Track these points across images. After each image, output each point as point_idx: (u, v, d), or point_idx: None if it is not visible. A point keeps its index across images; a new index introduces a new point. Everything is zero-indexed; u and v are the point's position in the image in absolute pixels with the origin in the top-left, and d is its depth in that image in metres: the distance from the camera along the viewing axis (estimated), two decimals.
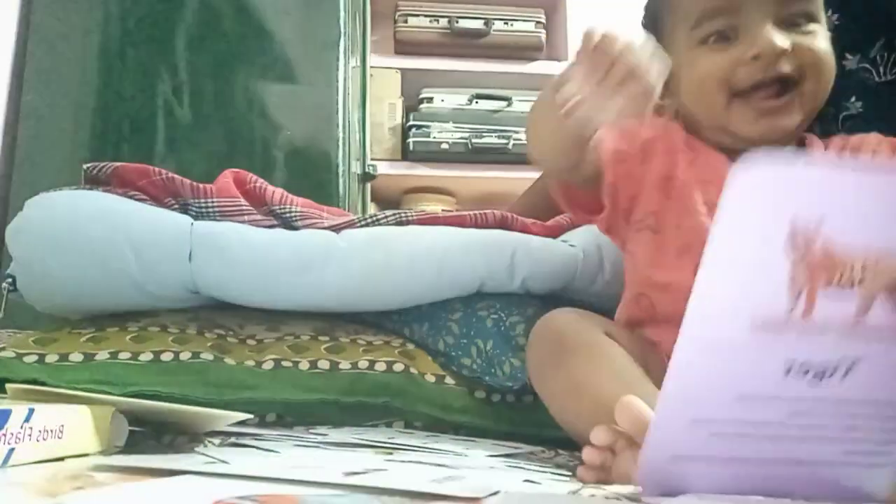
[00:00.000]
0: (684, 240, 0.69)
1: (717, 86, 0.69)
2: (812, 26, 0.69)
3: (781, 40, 0.66)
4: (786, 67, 0.67)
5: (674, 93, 0.74)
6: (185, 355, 0.78)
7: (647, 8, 0.79)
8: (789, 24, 0.68)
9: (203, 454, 0.54)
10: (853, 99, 0.81)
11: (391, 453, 0.58)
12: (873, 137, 0.71)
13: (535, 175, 1.15)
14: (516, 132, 2.13)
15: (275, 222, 0.89)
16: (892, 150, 0.69)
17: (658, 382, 0.59)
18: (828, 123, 0.82)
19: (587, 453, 0.49)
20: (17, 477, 0.40)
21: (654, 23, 0.77)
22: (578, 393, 0.61)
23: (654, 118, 0.75)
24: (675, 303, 0.61)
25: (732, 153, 0.69)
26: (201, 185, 0.88)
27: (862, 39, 0.81)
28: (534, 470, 0.54)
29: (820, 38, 0.69)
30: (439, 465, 0.51)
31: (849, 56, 0.81)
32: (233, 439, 0.66)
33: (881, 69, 0.79)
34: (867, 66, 0.80)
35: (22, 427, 0.44)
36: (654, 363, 0.65)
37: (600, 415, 0.51)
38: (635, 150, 0.74)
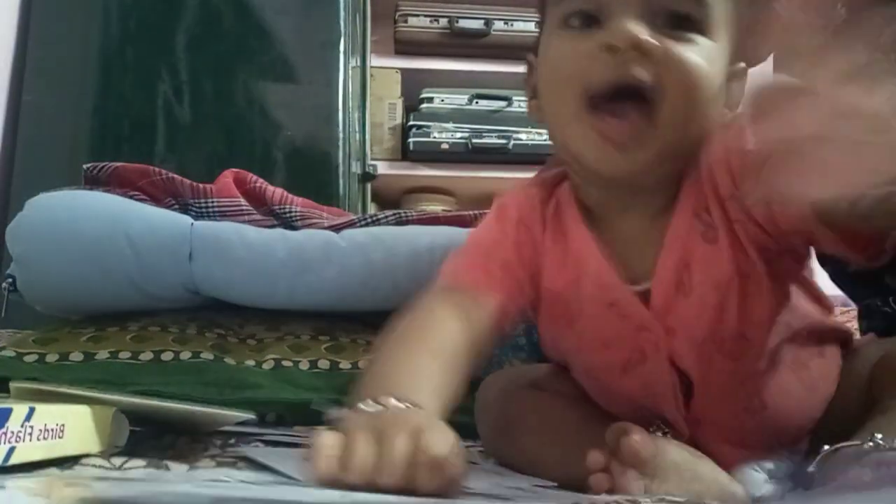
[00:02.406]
0: (562, 354, 0.63)
1: (570, 83, 0.54)
2: (696, 37, 0.53)
3: (640, 31, 0.51)
4: (641, 72, 0.51)
5: (539, 99, 0.60)
6: (185, 355, 0.78)
7: None
8: (666, 23, 0.53)
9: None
10: None
11: None
12: (720, 148, 0.55)
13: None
14: (516, 132, 2.13)
15: (275, 222, 0.89)
16: (738, 151, 0.53)
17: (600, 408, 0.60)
18: None
19: (594, 481, 0.49)
20: (12, 476, 0.40)
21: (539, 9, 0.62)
22: (540, 464, 0.59)
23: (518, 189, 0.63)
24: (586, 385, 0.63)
25: (601, 217, 0.59)
26: (201, 185, 0.88)
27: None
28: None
29: (699, 51, 0.53)
30: None
31: None
32: (233, 440, 0.66)
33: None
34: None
35: (22, 426, 0.44)
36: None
37: (573, 476, 0.52)
38: (523, 277, 0.61)
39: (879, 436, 0.48)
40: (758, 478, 0.58)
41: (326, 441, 0.38)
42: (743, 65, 0.58)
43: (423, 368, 0.51)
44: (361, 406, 0.44)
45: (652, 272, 0.56)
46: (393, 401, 0.44)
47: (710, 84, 0.53)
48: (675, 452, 0.52)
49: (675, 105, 0.52)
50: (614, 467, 0.49)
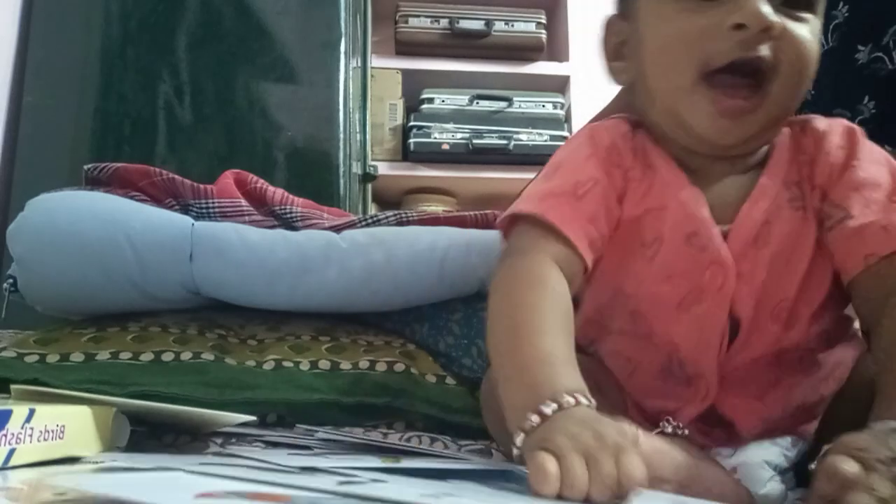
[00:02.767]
0: (616, 284, 0.61)
1: (687, 57, 0.55)
2: (807, 15, 0.56)
3: (771, 13, 0.53)
4: (765, 50, 0.54)
5: (634, 57, 0.61)
6: (185, 355, 0.78)
7: None
8: (784, 1, 0.55)
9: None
10: (866, 99, 0.79)
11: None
12: (833, 140, 0.60)
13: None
14: (517, 133, 2.13)
15: (275, 223, 0.89)
16: (846, 158, 0.59)
17: (610, 399, 0.61)
18: None
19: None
20: (3, 481, 0.40)
21: None
22: None
23: (604, 126, 0.64)
24: (617, 337, 0.62)
25: (690, 168, 0.60)
26: (202, 186, 0.88)
27: (874, 28, 0.79)
28: None
29: (811, 31, 0.56)
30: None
31: (861, 48, 0.79)
32: (234, 440, 0.66)
33: (893, 55, 0.78)
34: (879, 54, 0.78)
35: (23, 428, 0.44)
36: (607, 384, 0.63)
37: None
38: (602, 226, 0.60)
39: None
40: (764, 475, 0.58)
41: (549, 467, 0.40)
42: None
43: (567, 348, 0.51)
44: (544, 409, 0.45)
45: (734, 218, 0.58)
46: (568, 398, 0.45)
47: (815, 60, 0.57)
48: (681, 453, 0.53)
49: (787, 81, 0.55)
50: None
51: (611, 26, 0.64)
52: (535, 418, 0.45)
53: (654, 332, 0.60)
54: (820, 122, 0.62)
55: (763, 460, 0.59)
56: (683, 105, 0.57)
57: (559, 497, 0.40)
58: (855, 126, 0.62)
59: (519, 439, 0.45)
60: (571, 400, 0.45)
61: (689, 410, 0.60)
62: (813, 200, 0.59)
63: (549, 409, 0.44)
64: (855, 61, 0.80)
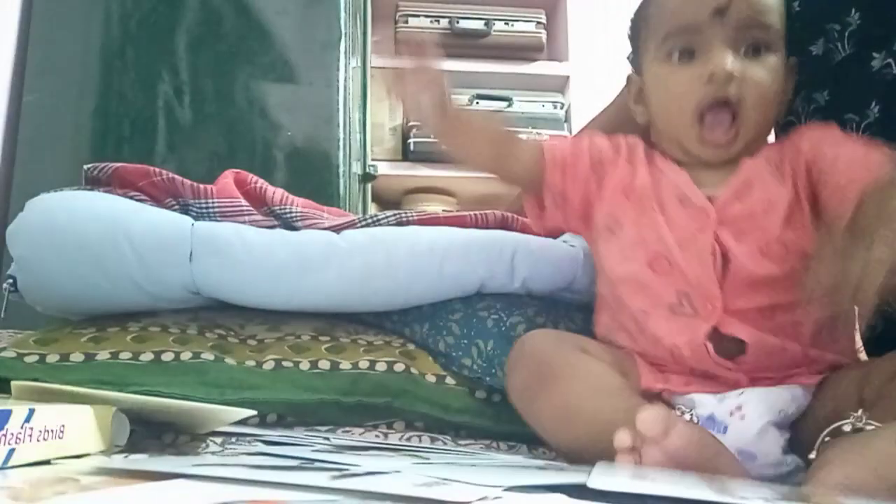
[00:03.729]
0: (639, 235, 0.75)
1: (681, 104, 0.75)
2: (765, 56, 0.75)
3: (731, 64, 0.72)
4: (731, 90, 0.73)
5: (647, 104, 0.81)
6: (185, 355, 0.78)
7: (632, 20, 0.84)
8: (745, 50, 0.74)
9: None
10: (873, 104, 0.80)
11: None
12: (814, 129, 0.76)
13: None
14: (517, 133, 2.13)
15: (275, 223, 0.89)
16: (824, 134, 0.75)
17: (637, 387, 0.69)
18: (850, 131, 0.81)
19: (622, 457, 0.54)
20: (3, 480, 0.40)
21: (635, 34, 0.83)
22: (569, 417, 0.66)
23: (616, 136, 0.83)
24: (632, 295, 0.73)
25: (689, 167, 0.77)
26: (202, 186, 0.88)
27: (886, 34, 0.79)
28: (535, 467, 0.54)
29: (768, 68, 0.74)
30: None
31: (875, 55, 0.80)
32: (234, 440, 0.66)
33: None
34: (889, 60, 0.79)
35: (22, 427, 0.44)
36: (631, 369, 0.72)
37: (597, 434, 0.58)
38: (583, 161, 0.81)
39: (860, 411, 0.57)
40: (765, 416, 0.65)
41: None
42: (794, 59, 0.78)
43: None
44: None
45: (720, 186, 0.74)
46: None
47: (775, 91, 0.76)
48: (693, 433, 0.56)
49: (752, 111, 0.74)
50: (640, 446, 0.54)
51: (630, 80, 0.84)
52: None
53: (673, 266, 0.72)
54: (803, 127, 0.79)
55: (767, 401, 0.66)
56: (683, 139, 0.77)
57: None
58: (835, 125, 0.76)
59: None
60: None
61: (699, 331, 0.69)
62: (793, 170, 0.74)
63: None
64: (871, 68, 0.80)
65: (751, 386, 0.68)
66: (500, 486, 0.40)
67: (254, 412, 0.68)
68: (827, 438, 0.58)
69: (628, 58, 0.85)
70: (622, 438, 0.54)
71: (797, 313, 0.68)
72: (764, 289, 0.69)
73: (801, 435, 0.65)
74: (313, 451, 0.61)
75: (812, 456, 0.58)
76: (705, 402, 0.68)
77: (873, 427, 0.56)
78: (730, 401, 0.67)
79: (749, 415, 0.65)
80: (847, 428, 0.57)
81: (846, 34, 0.82)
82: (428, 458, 0.59)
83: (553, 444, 0.71)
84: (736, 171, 0.75)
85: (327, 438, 0.71)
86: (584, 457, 0.59)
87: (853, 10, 0.81)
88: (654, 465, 0.53)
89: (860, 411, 0.57)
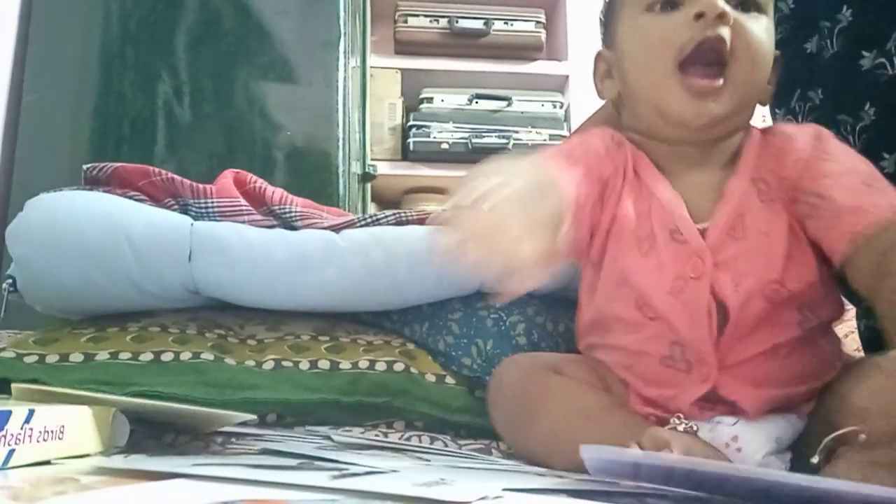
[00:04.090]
0: (625, 274, 0.67)
1: (662, 51, 0.66)
2: (757, 15, 0.67)
3: (722, 3, 0.64)
4: (725, 32, 0.64)
5: (618, 71, 0.73)
6: (185, 355, 0.78)
7: None
8: (737, 5, 0.66)
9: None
10: (867, 106, 0.79)
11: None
12: (801, 138, 0.68)
13: None
14: (516, 132, 2.13)
15: (275, 222, 0.89)
16: (813, 152, 0.66)
17: (619, 398, 0.66)
18: (845, 134, 0.80)
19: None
20: (3, 480, 0.40)
21: (609, 8, 0.75)
22: (557, 446, 0.62)
23: (606, 129, 0.73)
24: (622, 335, 0.68)
25: (668, 172, 0.69)
26: (201, 186, 0.88)
27: (878, 33, 0.78)
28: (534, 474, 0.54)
29: (762, 27, 0.67)
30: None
31: (865, 54, 0.79)
32: (234, 440, 0.66)
33: (895, 59, 0.77)
34: (882, 60, 0.78)
35: (22, 428, 0.44)
36: (613, 380, 0.68)
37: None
38: (596, 190, 0.69)
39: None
40: (763, 446, 0.62)
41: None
42: (777, 52, 0.71)
43: None
44: None
45: (710, 216, 0.66)
46: None
47: (767, 52, 0.68)
48: (690, 443, 0.55)
49: (744, 65, 0.65)
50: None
51: (599, 57, 0.76)
52: None
53: (659, 316, 0.65)
54: (788, 126, 0.72)
55: (763, 432, 0.62)
56: (662, 94, 0.67)
57: None
58: (823, 129, 0.69)
59: None
60: None
61: (690, 393, 0.63)
62: (781, 192, 0.66)
63: None
64: (859, 67, 0.79)
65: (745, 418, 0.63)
66: (500, 487, 0.40)
67: (254, 416, 0.68)
68: (829, 443, 0.54)
69: (601, 36, 0.77)
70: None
71: (799, 347, 0.64)
72: (764, 332, 0.63)
73: (800, 449, 0.63)
74: (316, 447, 0.61)
75: (815, 460, 0.54)
76: (693, 424, 0.63)
77: None
78: (723, 430, 0.62)
79: (746, 447, 0.61)
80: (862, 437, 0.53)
81: (836, 31, 0.81)
82: (428, 461, 0.59)
83: (543, 465, 0.65)
84: (724, 195, 0.66)
85: (328, 437, 0.71)
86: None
87: (845, 8, 0.81)
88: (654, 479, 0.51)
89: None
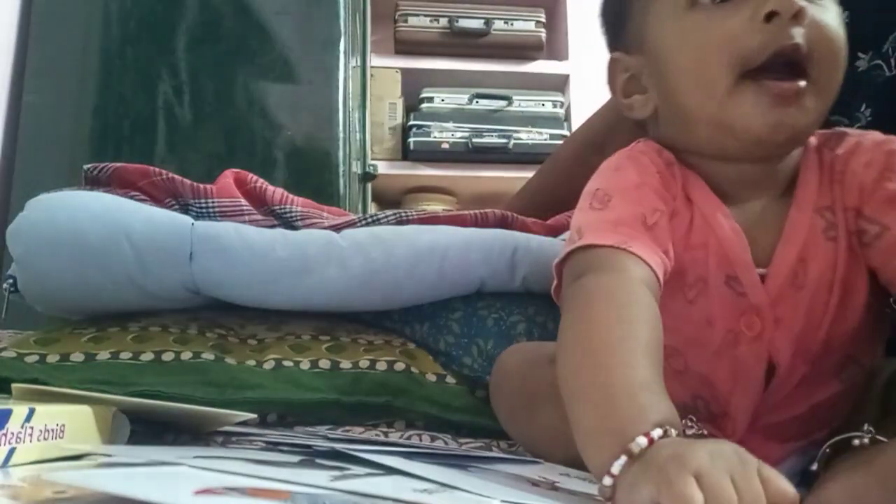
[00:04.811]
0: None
1: (723, 61, 0.53)
2: (828, 3, 0.55)
3: None
4: (800, 38, 0.52)
5: (655, 84, 0.60)
6: (186, 355, 0.78)
7: None
8: None
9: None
10: (863, 107, 0.78)
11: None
12: (862, 156, 0.56)
13: (532, 175, 1.14)
14: (516, 132, 2.13)
15: (275, 222, 0.89)
16: (879, 174, 0.55)
17: None
18: None
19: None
20: (3, 479, 0.40)
21: (629, 2, 0.62)
22: (559, 437, 0.55)
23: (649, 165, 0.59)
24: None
25: (726, 193, 0.58)
26: (201, 186, 0.88)
27: (875, 35, 0.78)
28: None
29: (835, 18, 0.55)
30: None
31: (861, 55, 0.78)
32: (234, 439, 0.66)
33: (892, 61, 0.77)
34: (879, 62, 0.78)
35: (23, 427, 0.44)
36: None
37: None
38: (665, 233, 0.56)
39: (867, 426, 0.49)
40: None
41: (695, 495, 0.35)
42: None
43: (658, 375, 0.45)
44: (632, 448, 0.39)
45: (769, 259, 0.55)
46: (658, 431, 0.40)
47: (845, 45, 0.55)
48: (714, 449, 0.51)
49: (824, 67, 0.53)
50: None
51: (616, 64, 0.63)
52: (623, 459, 0.39)
53: (689, 369, 0.57)
54: (850, 137, 0.59)
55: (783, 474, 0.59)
56: (729, 108, 0.54)
57: None
58: (892, 140, 0.58)
59: (607, 480, 0.40)
60: (660, 431, 0.40)
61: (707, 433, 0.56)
62: (847, 223, 0.56)
63: (636, 448, 0.39)
64: (855, 69, 0.79)
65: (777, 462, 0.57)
66: (499, 497, 0.40)
67: (254, 416, 0.68)
68: (828, 450, 0.52)
69: (605, 36, 0.65)
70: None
71: (837, 401, 0.57)
72: (804, 392, 0.56)
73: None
74: (320, 439, 0.61)
75: (814, 468, 0.53)
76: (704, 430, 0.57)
77: (882, 441, 0.49)
78: None
79: None
80: (856, 442, 0.50)
81: None
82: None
83: (546, 459, 0.62)
84: (785, 233, 0.55)
85: (326, 437, 0.71)
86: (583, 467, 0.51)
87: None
88: None
89: (867, 426, 0.50)
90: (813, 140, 0.59)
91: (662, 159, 0.59)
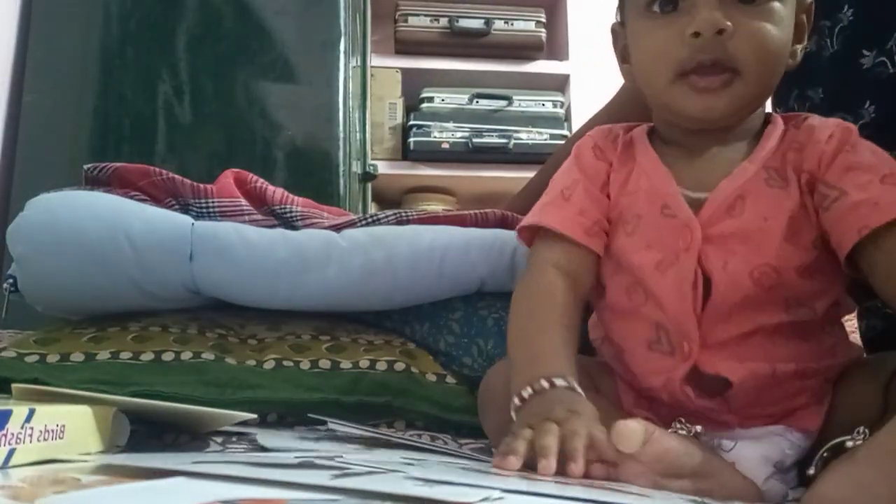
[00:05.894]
0: (617, 257, 0.68)
1: (662, 64, 0.64)
2: (768, 3, 0.62)
3: (720, 18, 0.60)
4: (723, 50, 0.61)
5: (632, 62, 0.71)
6: (186, 355, 0.78)
7: None
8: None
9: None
10: (867, 104, 0.78)
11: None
12: (825, 131, 0.65)
13: (533, 174, 1.14)
14: (516, 132, 2.13)
15: (275, 222, 0.89)
16: (838, 145, 0.64)
17: (609, 397, 0.67)
18: None
19: (597, 471, 0.51)
20: (3, 479, 0.40)
21: None
22: None
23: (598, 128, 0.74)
24: (611, 323, 0.69)
25: (686, 145, 0.68)
26: (202, 186, 0.88)
27: (879, 32, 0.78)
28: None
29: (768, 17, 0.62)
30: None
31: (866, 53, 0.79)
32: (234, 439, 0.66)
33: None
34: (883, 59, 0.78)
35: (23, 427, 0.44)
36: (605, 384, 0.69)
37: None
38: (604, 197, 0.70)
39: (861, 427, 0.53)
40: (763, 471, 0.60)
41: (515, 445, 0.50)
42: None
43: (556, 341, 0.62)
44: (524, 394, 0.57)
45: (711, 188, 0.65)
46: (542, 383, 0.57)
47: (779, 44, 0.63)
48: (696, 450, 0.54)
49: (751, 69, 0.62)
50: (617, 459, 0.51)
51: (615, 33, 0.73)
52: (516, 401, 0.57)
53: (647, 300, 0.65)
54: (814, 119, 0.67)
55: (762, 455, 0.61)
56: (669, 97, 0.65)
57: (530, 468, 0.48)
58: (851, 125, 0.66)
59: (516, 400, 0.57)
60: (546, 384, 0.56)
61: (676, 373, 0.63)
62: (798, 181, 0.64)
63: (526, 393, 0.57)
64: (860, 66, 0.79)
65: (742, 425, 0.63)
66: (499, 488, 0.40)
67: (254, 416, 0.68)
68: (826, 454, 0.54)
69: (617, 9, 0.74)
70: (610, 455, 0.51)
71: (787, 332, 0.63)
72: (748, 313, 0.62)
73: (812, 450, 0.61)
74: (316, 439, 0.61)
75: (811, 472, 0.54)
76: (695, 427, 0.61)
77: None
78: (721, 455, 0.60)
79: (744, 472, 0.59)
80: (849, 443, 0.53)
81: (836, 31, 0.81)
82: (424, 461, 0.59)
83: None
84: (729, 176, 0.65)
85: (327, 427, 0.71)
86: None
87: (846, 7, 0.81)
88: (636, 478, 0.50)
89: (862, 427, 0.53)
90: (780, 118, 0.69)
91: (609, 135, 0.73)
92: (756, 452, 0.61)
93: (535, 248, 0.71)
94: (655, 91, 0.67)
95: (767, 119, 0.69)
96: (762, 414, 0.63)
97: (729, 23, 0.61)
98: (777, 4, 0.63)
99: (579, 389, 0.57)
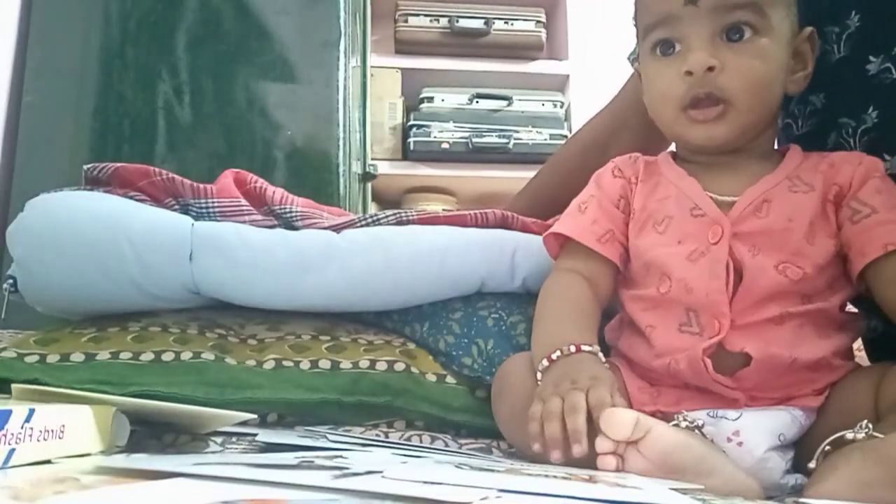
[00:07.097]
0: (642, 258, 0.74)
1: (666, 101, 0.73)
2: (753, 38, 0.70)
3: (707, 58, 0.69)
4: (713, 85, 0.69)
5: (644, 97, 0.79)
6: (186, 355, 0.78)
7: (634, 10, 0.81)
8: (730, 34, 0.70)
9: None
10: (870, 109, 0.79)
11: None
12: (855, 157, 0.72)
13: (534, 174, 1.14)
14: (516, 132, 2.13)
15: (275, 222, 0.89)
16: (868, 170, 0.70)
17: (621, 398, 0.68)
18: (847, 136, 0.80)
19: (602, 462, 0.55)
20: (3, 479, 0.40)
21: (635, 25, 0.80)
22: None
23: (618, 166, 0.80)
24: (640, 312, 0.73)
25: (706, 164, 0.75)
26: (201, 186, 0.88)
27: (885, 38, 0.78)
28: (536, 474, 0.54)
29: (755, 52, 0.70)
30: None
31: (872, 59, 0.79)
32: (234, 439, 0.66)
33: None
34: (888, 65, 0.78)
35: (22, 427, 0.44)
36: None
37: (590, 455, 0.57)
38: (618, 210, 0.78)
39: (865, 421, 0.55)
40: (764, 441, 0.63)
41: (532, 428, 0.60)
42: (811, 28, 0.75)
43: (581, 321, 0.71)
44: (553, 356, 0.65)
45: (737, 194, 0.71)
46: (572, 347, 0.66)
47: (766, 76, 0.71)
48: (698, 445, 0.56)
49: (742, 98, 0.70)
50: (624, 451, 0.54)
51: (634, 60, 0.84)
52: (544, 363, 0.66)
53: (673, 287, 0.70)
54: (837, 153, 0.75)
55: (767, 425, 0.64)
56: (677, 129, 0.74)
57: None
58: (875, 157, 0.73)
59: (542, 365, 0.66)
60: (573, 348, 0.65)
61: (699, 347, 0.66)
62: (826, 190, 0.70)
63: (555, 356, 0.65)
64: (866, 72, 0.79)
65: (749, 405, 0.66)
66: (500, 487, 0.40)
67: (254, 416, 0.68)
68: (828, 448, 0.56)
69: (629, 58, 0.84)
70: (601, 444, 0.55)
71: (807, 322, 0.67)
72: (775, 300, 0.67)
73: (806, 449, 0.63)
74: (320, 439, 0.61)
75: (812, 465, 0.56)
76: (697, 420, 0.64)
77: (880, 437, 0.54)
78: (726, 424, 0.64)
79: (747, 442, 0.63)
80: (850, 436, 0.55)
81: (843, 36, 0.81)
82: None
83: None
84: (753, 184, 0.71)
85: (325, 437, 0.71)
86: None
87: (853, 13, 0.81)
88: (638, 469, 0.53)
89: (865, 421, 0.55)
90: (799, 148, 0.76)
91: (629, 160, 0.81)
92: (761, 421, 0.64)
93: (559, 257, 0.80)
94: (665, 124, 0.76)
95: (785, 149, 0.76)
96: (768, 397, 0.66)
97: (716, 60, 0.69)
98: (764, 41, 0.70)
99: (602, 357, 0.66)
